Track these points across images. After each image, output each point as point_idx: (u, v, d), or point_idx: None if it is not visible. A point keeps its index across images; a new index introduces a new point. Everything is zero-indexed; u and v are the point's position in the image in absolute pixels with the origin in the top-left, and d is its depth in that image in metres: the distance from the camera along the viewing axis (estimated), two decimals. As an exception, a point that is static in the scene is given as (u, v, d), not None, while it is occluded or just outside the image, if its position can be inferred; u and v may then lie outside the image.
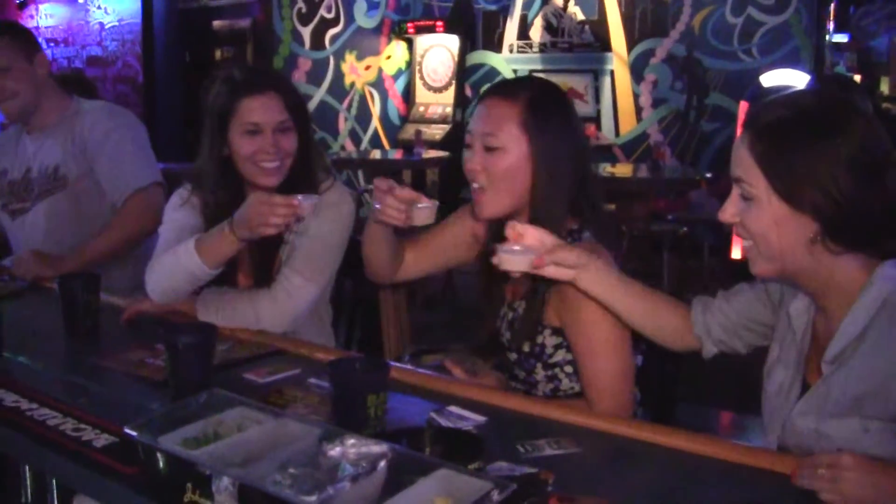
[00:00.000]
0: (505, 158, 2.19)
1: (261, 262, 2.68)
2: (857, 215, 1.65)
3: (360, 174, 10.24)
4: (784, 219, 1.69)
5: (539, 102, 2.22)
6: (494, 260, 1.99)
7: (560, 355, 2.24)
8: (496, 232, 2.29)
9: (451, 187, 9.12)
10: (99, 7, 11.06)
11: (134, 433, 1.58)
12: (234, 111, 2.61)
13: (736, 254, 7.69)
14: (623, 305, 2.09)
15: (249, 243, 2.51)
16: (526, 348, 2.27)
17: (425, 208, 2.24)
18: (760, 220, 1.71)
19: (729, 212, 1.78)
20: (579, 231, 2.24)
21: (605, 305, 2.09)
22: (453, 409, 1.97)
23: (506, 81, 2.41)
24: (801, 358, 1.88)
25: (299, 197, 2.35)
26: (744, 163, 1.73)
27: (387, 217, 2.25)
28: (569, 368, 2.24)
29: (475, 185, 2.25)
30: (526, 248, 1.98)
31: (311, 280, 2.62)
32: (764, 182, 1.69)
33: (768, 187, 1.69)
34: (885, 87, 12.40)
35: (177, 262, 2.50)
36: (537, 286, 2.21)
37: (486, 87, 2.59)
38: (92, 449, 1.77)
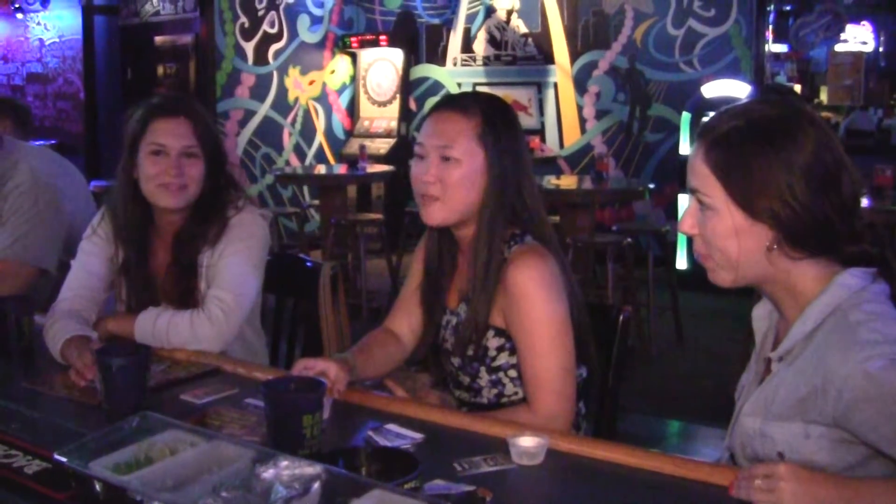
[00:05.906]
0: (461, 169, 2.22)
1: (184, 291, 2.69)
2: (813, 222, 1.67)
3: (306, 189, 10.20)
4: (743, 227, 1.70)
5: (493, 117, 2.26)
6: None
7: (503, 358, 2.26)
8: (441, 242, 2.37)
9: (396, 201, 9.13)
10: (38, 23, 10.94)
11: (64, 459, 1.56)
12: (144, 132, 2.66)
13: (681, 264, 7.77)
14: None
15: (169, 274, 2.68)
16: (469, 351, 2.27)
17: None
18: (720, 229, 1.72)
19: (688, 223, 1.79)
20: (521, 235, 2.26)
21: None
22: (391, 426, 1.96)
23: (457, 96, 2.43)
24: (761, 361, 1.90)
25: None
26: (700, 173, 1.74)
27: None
28: (512, 373, 2.26)
29: (428, 194, 2.25)
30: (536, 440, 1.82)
31: (242, 295, 2.63)
32: (721, 191, 1.71)
33: (726, 197, 1.70)
34: (823, 97, 12.66)
35: (51, 344, 2.49)
36: (486, 285, 2.22)
37: (434, 100, 2.56)
38: (23, 476, 1.75)
